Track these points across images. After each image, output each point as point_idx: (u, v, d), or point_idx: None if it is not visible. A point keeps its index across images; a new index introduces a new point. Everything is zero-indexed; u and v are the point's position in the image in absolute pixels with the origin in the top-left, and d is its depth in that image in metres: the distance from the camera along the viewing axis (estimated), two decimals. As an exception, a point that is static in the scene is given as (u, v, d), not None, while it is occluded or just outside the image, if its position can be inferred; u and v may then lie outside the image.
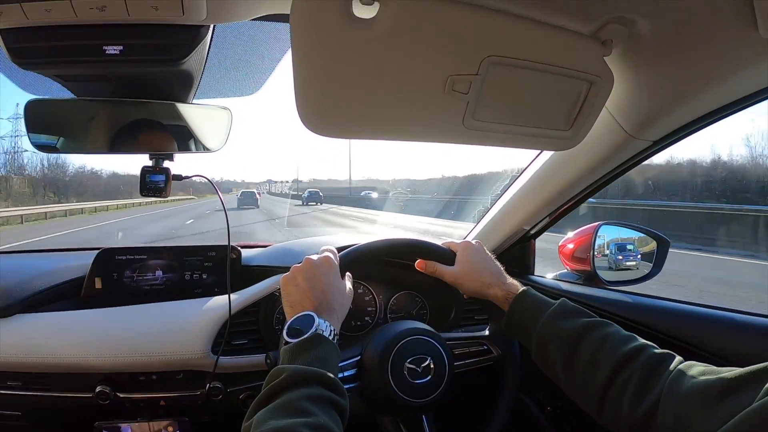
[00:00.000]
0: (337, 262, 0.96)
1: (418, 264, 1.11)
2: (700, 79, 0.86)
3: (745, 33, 0.72)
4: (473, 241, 1.11)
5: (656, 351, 0.79)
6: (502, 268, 1.07)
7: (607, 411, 0.77)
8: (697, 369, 0.69)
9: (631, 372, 0.76)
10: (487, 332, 1.16)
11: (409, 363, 1.01)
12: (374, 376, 1.00)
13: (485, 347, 1.14)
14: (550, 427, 1.40)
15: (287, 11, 0.66)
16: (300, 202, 40.67)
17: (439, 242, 1.14)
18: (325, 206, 36.27)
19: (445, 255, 1.10)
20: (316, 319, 0.82)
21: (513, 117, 0.89)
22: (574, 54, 0.81)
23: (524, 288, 1.01)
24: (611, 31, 0.78)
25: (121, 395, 1.25)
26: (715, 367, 0.68)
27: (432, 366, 1.02)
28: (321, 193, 42.01)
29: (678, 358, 0.76)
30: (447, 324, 1.47)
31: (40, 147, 1.08)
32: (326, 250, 0.98)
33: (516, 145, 0.97)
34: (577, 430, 1.33)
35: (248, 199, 33.99)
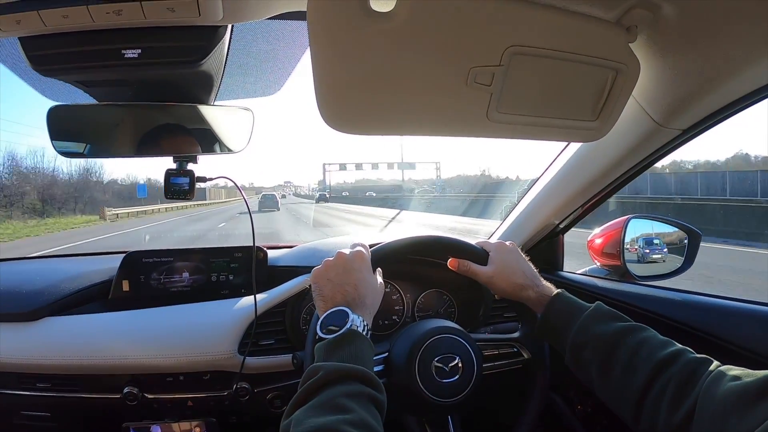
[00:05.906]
0: (369, 257, 0.95)
1: (451, 262, 1.10)
2: (729, 64, 0.83)
3: None
4: (507, 242, 1.09)
5: (693, 356, 0.77)
6: (536, 270, 1.05)
7: (645, 417, 0.75)
8: (734, 372, 0.68)
9: (668, 377, 0.74)
10: (517, 335, 1.13)
11: (437, 362, 0.99)
12: (401, 374, 0.98)
13: (515, 349, 1.12)
14: (580, 425, 1.37)
15: (304, 8, 0.65)
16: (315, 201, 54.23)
17: (472, 241, 1.12)
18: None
19: (478, 254, 1.08)
20: (350, 315, 0.82)
21: (538, 108, 0.87)
22: (598, 41, 0.78)
23: (558, 291, 0.99)
24: (636, 16, 0.75)
25: (149, 396, 1.27)
26: (751, 371, 0.66)
27: (460, 365, 1.00)
28: (327, 194, 61.45)
29: (715, 362, 0.74)
30: (475, 323, 1.45)
31: (65, 153, 1.09)
32: (358, 245, 0.97)
33: (542, 137, 0.95)
34: (608, 430, 1.30)
35: (269, 202, 35.03)
